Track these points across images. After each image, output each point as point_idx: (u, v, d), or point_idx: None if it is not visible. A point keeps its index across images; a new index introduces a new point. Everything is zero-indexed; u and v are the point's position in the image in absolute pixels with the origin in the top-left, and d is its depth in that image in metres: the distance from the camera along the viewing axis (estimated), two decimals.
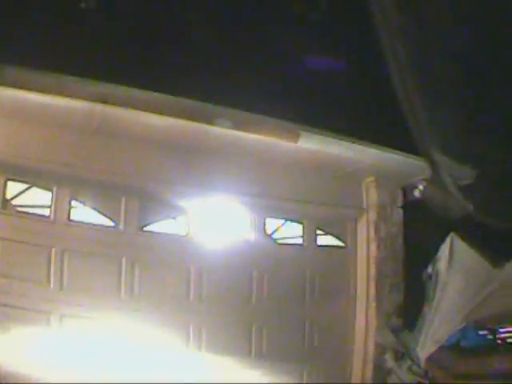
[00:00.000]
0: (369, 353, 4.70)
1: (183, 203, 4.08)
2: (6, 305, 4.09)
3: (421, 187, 4.20)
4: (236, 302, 4.26)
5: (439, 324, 4.48)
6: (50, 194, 4.14)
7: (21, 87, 3.50)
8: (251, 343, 4.33)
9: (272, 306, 4.37)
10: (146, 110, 3.69)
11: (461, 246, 4.54)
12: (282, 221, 4.65)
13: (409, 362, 4.63)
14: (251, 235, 4.38)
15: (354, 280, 4.82)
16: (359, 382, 4.76)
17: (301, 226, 4.71)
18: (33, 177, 4.08)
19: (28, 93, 3.53)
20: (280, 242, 4.65)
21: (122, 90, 3.55)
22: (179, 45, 3.99)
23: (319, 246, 4.79)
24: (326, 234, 4.85)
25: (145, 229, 4.11)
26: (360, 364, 4.74)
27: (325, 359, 4.56)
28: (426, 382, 4.47)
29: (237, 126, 3.87)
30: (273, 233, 4.58)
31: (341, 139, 3.99)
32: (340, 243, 4.92)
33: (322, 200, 4.58)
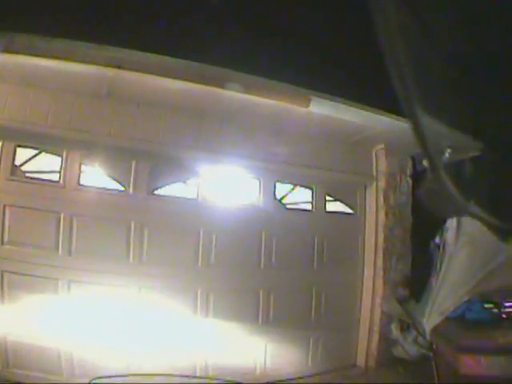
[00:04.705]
0: (375, 322, 4.73)
1: (193, 167, 4.08)
2: (14, 272, 4.15)
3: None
4: (244, 267, 4.27)
5: (445, 296, 4.49)
6: (59, 159, 4.14)
7: (31, 54, 3.49)
8: (258, 309, 4.34)
9: (280, 272, 4.37)
10: (156, 74, 3.68)
11: (469, 217, 4.54)
12: (292, 186, 4.64)
13: (414, 334, 4.65)
14: (261, 200, 4.37)
15: (361, 248, 4.82)
16: (364, 351, 4.79)
17: (310, 192, 4.70)
18: (42, 142, 4.07)
19: (38, 59, 3.53)
20: (289, 207, 4.64)
21: (134, 55, 3.52)
22: (190, 9, 3.97)
23: (328, 212, 4.78)
24: (336, 200, 4.84)
25: (154, 193, 4.09)
26: (365, 333, 4.77)
27: (331, 327, 4.57)
28: (431, 353, 4.49)
29: (248, 90, 3.86)
30: (282, 198, 4.56)
31: (351, 105, 3.97)
32: (349, 210, 4.91)
33: (332, 166, 4.56)
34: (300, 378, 4.48)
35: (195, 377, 4.03)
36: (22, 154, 4.23)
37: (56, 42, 3.52)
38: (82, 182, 4.11)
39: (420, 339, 4.58)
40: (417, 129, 1.01)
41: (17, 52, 3.57)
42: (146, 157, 4.05)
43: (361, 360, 4.79)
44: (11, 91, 4.07)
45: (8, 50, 3.59)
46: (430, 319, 4.50)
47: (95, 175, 4.12)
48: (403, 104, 1.00)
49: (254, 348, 4.30)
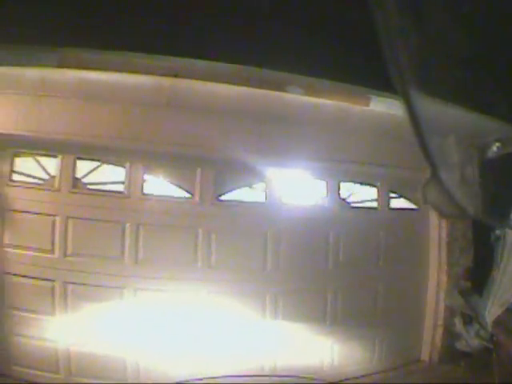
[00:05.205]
0: (439, 317, 4.73)
1: (257, 171, 4.09)
2: (82, 284, 4.18)
3: (494, 148, 4.13)
4: (313, 268, 4.29)
5: (506, 287, 4.47)
6: (122, 169, 4.18)
7: (89, 68, 3.54)
8: (326, 309, 4.36)
9: (347, 272, 4.38)
10: (216, 81, 3.71)
11: None
12: (357, 184, 4.65)
13: (477, 327, 4.63)
14: (327, 201, 4.39)
15: (425, 243, 4.81)
16: (429, 345, 4.79)
17: (375, 190, 4.70)
18: (104, 154, 4.11)
19: (96, 72, 3.58)
20: (355, 205, 4.64)
21: (191, 63, 3.55)
22: (246, 15, 3.98)
23: (393, 208, 4.78)
24: (400, 196, 4.83)
25: (220, 198, 4.12)
26: (430, 328, 4.77)
27: (396, 323, 4.56)
28: (492, 346, 4.47)
29: (308, 92, 3.88)
30: (347, 197, 4.57)
31: None
32: (413, 206, 4.90)
33: (395, 163, 4.51)
34: (366, 375, 4.49)
35: (270, 376, 4.05)
36: (84, 166, 4.29)
37: (112, 54, 3.58)
38: (146, 192, 4.16)
39: (482, 332, 4.57)
40: (409, 110, 0.86)
41: (73, 66, 3.63)
42: (211, 163, 4.08)
43: (425, 354, 4.79)
44: (71, 105, 4.13)
45: (63, 64, 3.66)
46: (491, 311, 4.48)
47: (159, 184, 4.16)
48: (394, 81, 0.85)
49: (321, 348, 4.31)
